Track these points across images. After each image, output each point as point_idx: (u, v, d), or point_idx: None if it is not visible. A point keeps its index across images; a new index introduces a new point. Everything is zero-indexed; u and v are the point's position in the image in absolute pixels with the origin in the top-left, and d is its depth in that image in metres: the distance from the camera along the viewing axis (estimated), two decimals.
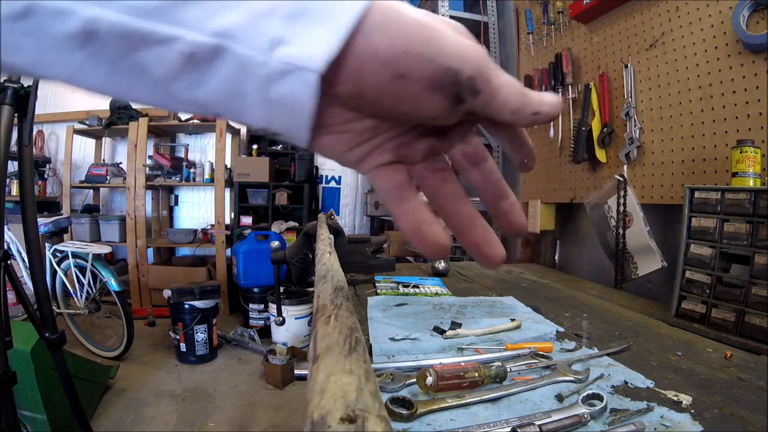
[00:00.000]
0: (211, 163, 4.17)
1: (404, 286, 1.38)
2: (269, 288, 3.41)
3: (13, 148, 1.43)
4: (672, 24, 1.44)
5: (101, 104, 4.57)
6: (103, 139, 4.69)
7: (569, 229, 2.14)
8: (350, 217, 5.32)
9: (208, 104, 0.22)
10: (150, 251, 4.20)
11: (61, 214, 3.73)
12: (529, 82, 2.23)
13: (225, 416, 2.24)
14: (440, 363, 0.72)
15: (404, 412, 0.58)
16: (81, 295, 2.85)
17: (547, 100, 0.25)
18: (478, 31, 2.58)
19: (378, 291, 1.32)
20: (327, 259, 0.69)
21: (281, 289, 3.03)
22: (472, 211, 0.28)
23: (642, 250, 1.48)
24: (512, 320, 0.98)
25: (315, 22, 0.21)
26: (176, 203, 4.96)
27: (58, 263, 2.90)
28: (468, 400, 0.62)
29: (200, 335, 2.87)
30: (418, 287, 1.38)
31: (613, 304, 1.29)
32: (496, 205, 0.29)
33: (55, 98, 5.03)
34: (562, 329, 0.98)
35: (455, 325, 0.95)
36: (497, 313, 1.10)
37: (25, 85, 1.28)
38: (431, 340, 0.89)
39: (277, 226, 4.30)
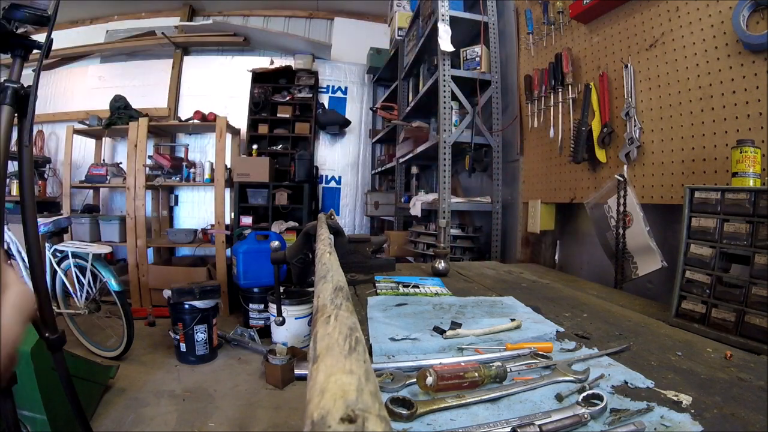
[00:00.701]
0: (211, 163, 4.16)
1: (404, 286, 1.38)
2: (269, 288, 3.41)
3: (13, 148, 1.43)
4: (672, 24, 1.44)
5: (101, 104, 4.58)
6: (103, 139, 4.69)
7: (569, 229, 2.14)
8: (350, 217, 5.32)
9: None
10: (150, 251, 4.20)
11: (61, 214, 3.73)
12: (529, 82, 2.23)
13: (225, 416, 2.24)
14: (440, 363, 0.72)
15: (404, 412, 0.58)
16: (81, 295, 2.85)
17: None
18: (478, 31, 2.58)
19: (378, 291, 1.32)
20: (327, 259, 0.69)
21: (281, 289, 3.03)
22: None
23: (642, 250, 1.48)
24: (512, 320, 0.98)
25: None
26: (176, 203, 4.97)
27: (58, 263, 2.90)
28: (468, 400, 0.62)
29: (200, 335, 2.86)
30: (418, 287, 1.37)
31: (613, 304, 1.29)
32: None
33: (55, 98, 5.03)
34: (562, 329, 0.98)
35: (455, 325, 0.95)
36: (497, 313, 1.10)
37: (25, 85, 1.28)
38: (431, 340, 0.89)
39: (277, 226, 4.30)
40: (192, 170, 4.28)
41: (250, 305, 3.43)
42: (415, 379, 0.66)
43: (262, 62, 5.08)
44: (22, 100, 1.27)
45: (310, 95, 4.96)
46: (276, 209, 4.40)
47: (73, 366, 1.84)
